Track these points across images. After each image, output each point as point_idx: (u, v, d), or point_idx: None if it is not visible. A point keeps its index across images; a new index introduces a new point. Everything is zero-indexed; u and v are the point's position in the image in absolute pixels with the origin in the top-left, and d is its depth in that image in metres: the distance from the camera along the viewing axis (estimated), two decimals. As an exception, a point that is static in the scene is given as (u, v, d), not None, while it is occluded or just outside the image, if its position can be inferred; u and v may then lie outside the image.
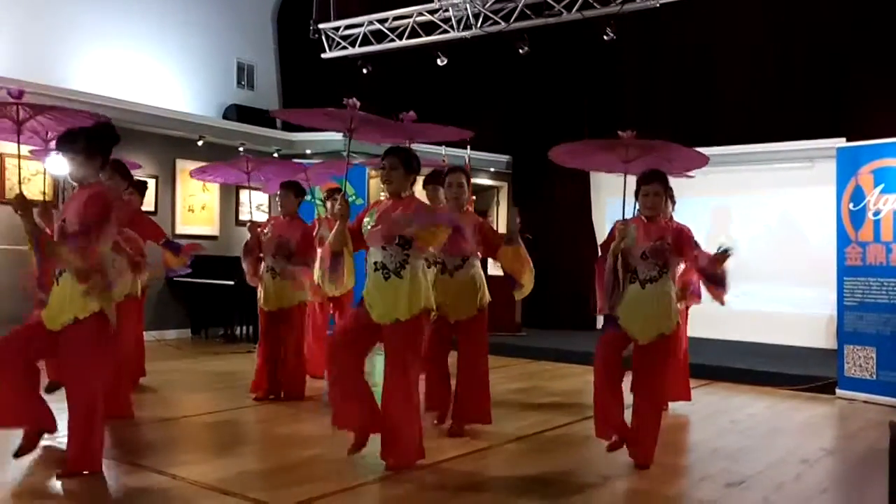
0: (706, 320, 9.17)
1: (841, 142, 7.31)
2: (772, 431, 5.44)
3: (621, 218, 4.35)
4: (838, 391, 6.66)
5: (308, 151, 10.52)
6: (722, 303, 5.01)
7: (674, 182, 6.26)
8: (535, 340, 9.60)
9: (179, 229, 10.07)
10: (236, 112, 10.69)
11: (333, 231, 4.18)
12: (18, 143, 4.37)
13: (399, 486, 3.86)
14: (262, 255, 5.91)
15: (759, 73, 10.00)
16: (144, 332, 9.16)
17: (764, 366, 7.66)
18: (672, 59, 10.79)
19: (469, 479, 4.03)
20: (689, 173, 6.04)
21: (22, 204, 3.83)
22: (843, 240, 6.69)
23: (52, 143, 5.13)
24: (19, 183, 4.26)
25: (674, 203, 5.63)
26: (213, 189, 10.40)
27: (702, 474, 4.28)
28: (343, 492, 3.73)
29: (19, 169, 4.52)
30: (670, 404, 5.83)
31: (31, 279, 4.07)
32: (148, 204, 9.71)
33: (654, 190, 4.33)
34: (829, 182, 7.12)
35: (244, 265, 5.96)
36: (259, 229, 5.92)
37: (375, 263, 4.07)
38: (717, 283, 4.32)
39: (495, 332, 9.98)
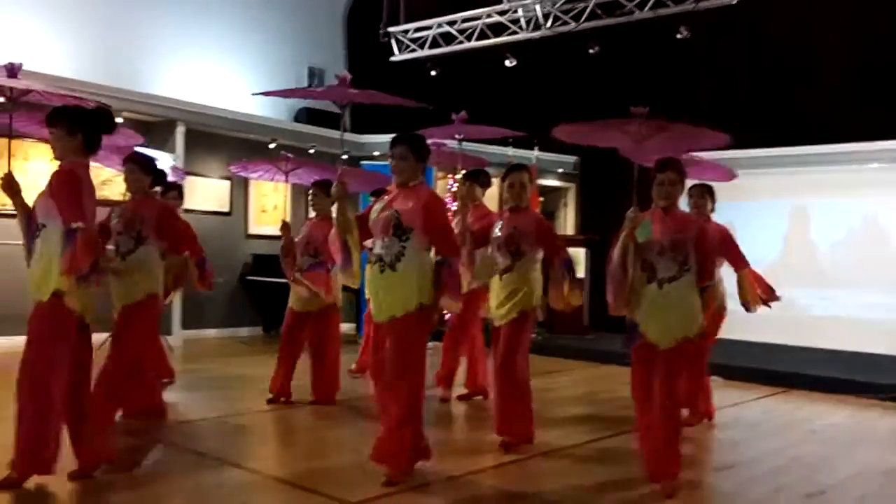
0: (784, 326, 8.92)
1: (928, 141, 6.99)
2: (853, 441, 5.24)
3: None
4: (925, 401, 6.36)
5: (376, 153, 10.64)
6: None
7: (747, 182, 6.07)
8: (602, 343, 9.42)
9: (252, 229, 10.33)
10: (307, 115, 10.90)
11: (335, 216, 4.03)
12: (11, 122, 3.93)
13: (434, 495, 3.84)
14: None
15: (840, 70, 9.62)
16: (215, 330, 9.56)
17: (845, 374, 7.37)
18: (748, 57, 10.47)
19: (518, 488, 3.96)
20: (726, 177, 5.80)
21: (9, 184, 3.67)
22: (931, 243, 6.37)
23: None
24: (8, 163, 3.94)
25: (714, 202, 5.39)
26: (285, 189, 10.60)
27: (779, 484, 4.12)
28: (405, 492, 3.73)
29: (9, 150, 4.14)
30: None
31: None
32: (223, 205, 10.04)
33: (670, 179, 3.97)
34: (916, 183, 6.80)
35: (283, 268, 5.87)
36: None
37: (375, 255, 3.89)
38: None
39: (560, 334, 9.96)
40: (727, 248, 5.30)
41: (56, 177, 3.58)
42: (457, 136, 5.59)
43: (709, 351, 5.41)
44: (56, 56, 8.89)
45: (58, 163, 3.68)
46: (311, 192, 5.93)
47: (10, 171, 3.74)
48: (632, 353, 4.02)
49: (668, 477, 3.80)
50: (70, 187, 3.55)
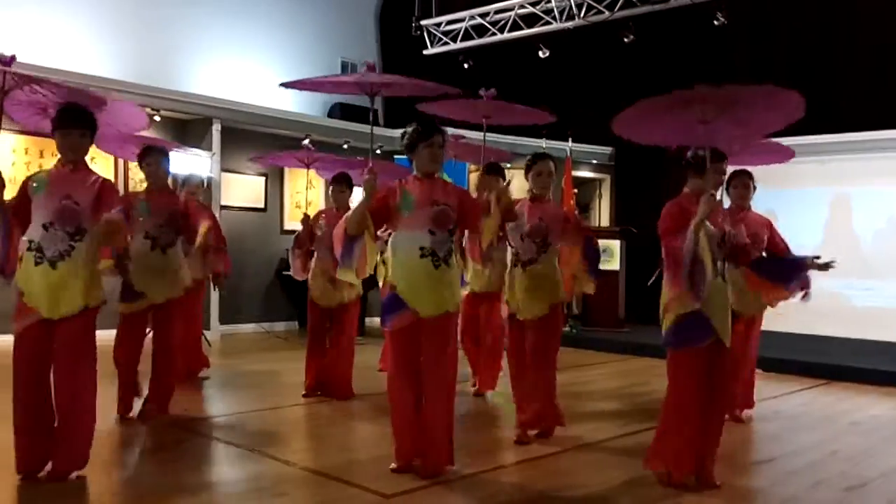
0: (825, 317, 8.73)
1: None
2: (896, 434, 5.13)
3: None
4: (973, 394, 6.19)
5: (410, 147, 10.64)
6: (772, 304, 4.52)
7: (788, 169, 5.90)
8: (639, 336, 9.30)
9: (288, 225, 10.42)
10: (341, 111, 10.95)
11: (354, 210, 3.78)
12: (2, 108, 3.69)
13: (472, 487, 3.84)
14: (313, 249, 5.78)
15: (883, 55, 9.38)
16: (252, 325, 9.70)
17: (888, 365, 7.20)
18: (788, 43, 10.24)
19: (554, 481, 3.95)
20: (775, 160, 5.59)
21: None
22: (979, 231, 6.19)
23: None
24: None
25: (755, 190, 5.19)
26: (319, 185, 10.68)
27: (819, 477, 4.05)
28: (443, 484, 3.75)
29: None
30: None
31: None
32: (258, 201, 10.16)
33: (723, 168, 3.88)
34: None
35: (291, 259, 5.88)
36: (312, 224, 5.79)
37: (423, 249, 3.69)
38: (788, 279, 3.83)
39: (595, 327, 9.88)
40: (772, 235, 5.13)
41: (106, 190, 3.67)
42: (483, 118, 5.53)
43: None
44: (93, 56, 9.06)
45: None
46: (331, 185, 5.89)
47: None
48: (690, 359, 3.63)
49: (710, 479, 3.72)
50: (118, 196, 3.77)
